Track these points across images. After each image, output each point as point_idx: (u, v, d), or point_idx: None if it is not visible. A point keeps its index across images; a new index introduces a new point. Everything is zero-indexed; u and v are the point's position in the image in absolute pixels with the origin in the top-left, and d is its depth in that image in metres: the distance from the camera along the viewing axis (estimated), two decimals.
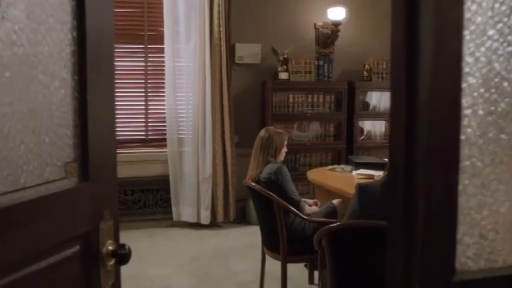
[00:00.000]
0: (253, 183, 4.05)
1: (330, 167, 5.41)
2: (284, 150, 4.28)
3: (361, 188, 3.08)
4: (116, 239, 1.52)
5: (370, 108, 6.87)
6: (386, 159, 5.53)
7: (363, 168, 5.08)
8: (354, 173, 5.02)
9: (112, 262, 1.48)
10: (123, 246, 1.49)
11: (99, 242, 1.45)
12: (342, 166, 5.32)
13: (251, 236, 5.97)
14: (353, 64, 6.83)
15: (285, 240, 3.95)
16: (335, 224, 3.05)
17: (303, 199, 4.26)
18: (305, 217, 4.02)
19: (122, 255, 1.49)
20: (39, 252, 1.26)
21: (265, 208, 4.06)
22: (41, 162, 1.28)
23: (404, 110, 0.99)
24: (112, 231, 1.50)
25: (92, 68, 1.37)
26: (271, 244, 4.16)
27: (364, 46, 6.84)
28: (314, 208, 4.39)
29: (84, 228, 1.40)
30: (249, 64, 6.53)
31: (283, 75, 6.46)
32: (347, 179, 4.93)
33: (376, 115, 6.89)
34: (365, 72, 6.78)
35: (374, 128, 6.94)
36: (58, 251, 1.32)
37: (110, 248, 1.48)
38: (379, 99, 6.89)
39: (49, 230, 1.29)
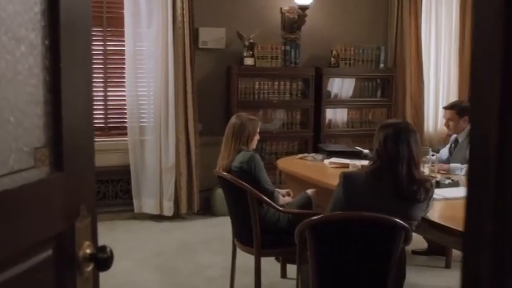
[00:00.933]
0: (224, 173, 3.81)
1: (300, 155, 5.21)
2: (257, 137, 4.06)
3: (347, 177, 2.89)
4: (94, 240, 1.27)
5: (332, 96, 6.68)
6: (358, 148, 5.39)
7: (335, 156, 4.91)
8: (326, 161, 4.84)
9: (90, 268, 1.24)
10: (103, 248, 1.25)
11: (75, 244, 1.19)
12: (312, 154, 5.13)
13: (217, 227, 5.75)
14: (320, 50, 6.65)
15: (258, 232, 3.73)
16: (318, 216, 2.85)
17: (276, 189, 4.05)
18: (280, 208, 3.81)
19: (103, 260, 1.24)
20: (2, 260, 1.00)
21: (237, 199, 3.84)
22: (5, 147, 1.02)
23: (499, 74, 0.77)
24: (90, 231, 1.25)
25: (66, 30, 1.11)
26: (243, 237, 3.94)
27: (331, 31, 6.66)
28: (287, 199, 4.18)
29: (58, 228, 1.15)
30: (213, 49, 6.27)
31: (248, 61, 6.22)
32: (319, 168, 4.74)
33: (339, 103, 6.72)
34: (332, 59, 6.60)
35: (335, 116, 6.75)
36: (26, 257, 1.07)
37: (88, 251, 1.23)
38: (340, 86, 6.71)
39: (14, 232, 1.03)
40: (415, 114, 7.10)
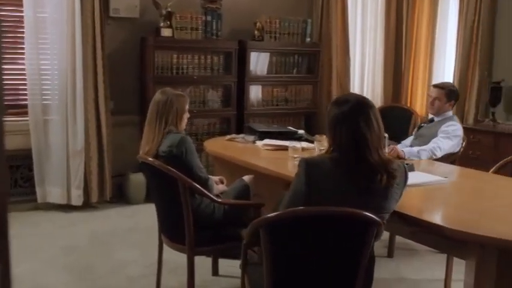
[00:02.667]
0: (150, 159, 3.24)
1: (229, 136, 4.70)
2: (186, 116, 3.51)
3: (309, 165, 2.41)
4: None
5: (256, 72, 6.20)
6: (291, 128, 4.95)
7: (268, 137, 4.45)
8: (259, 143, 4.37)
9: None
10: None
11: None
12: (242, 135, 4.64)
13: (133, 217, 5.18)
14: (243, 22, 6.14)
15: (191, 228, 3.20)
16: (276, 213, 2.36)
17: (209, 176, 3.52)
18: (217, 199, 3.30)
19: None
20: None
21: (165, 189, 3.29)
22: None
23: None
24: None
25: None
26: (171, 232, 3.41)
27: (255, 2, 6.18)
28: (221, 187, 3.68)
29: None
30: (126, 18, 5.61)
31: (166, 32, 5.61)
32: (252, 150, 4.27)
33: (264, 79, 6.25)
34: (256, 31, 6.11)
35: (259, 93, 6.28)
36: None
37: None
38: (265, 62, 6.25)
39: None
40: (341, 92, 6.74)
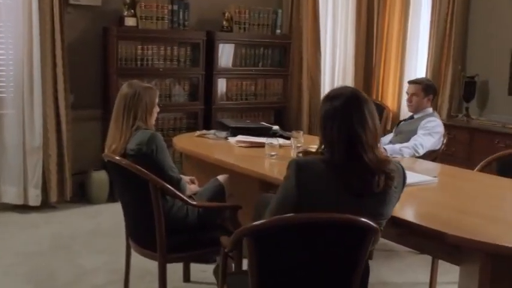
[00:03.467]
0: (118, 158, 2.96)
1: (199, 132, 4.44)
2: (156, 110, 3.24)
3: (301, 167, 2.17)
4: None
5: (224, 64, 5.93)
6: (263, 123, 4.72)
7: (241, 134, 4.20)
8: (232, 140, 4.12)
9: None
10: None
11: None
12: (213, 131, 4.38)
13: (96, 218, 4.88)
14: (211, 12, 5.86)
15: (163, 233, 2.94)
16: (263, 221, 2.12)
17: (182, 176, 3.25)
18: (192, 202, 3.04)
19: None
20: None
21: (134, 190, 3.02)
22: None
23: None
24: None
25: None
26: (140, 237, 3.14)
27: None
28: (194, 187, 3.41)
29: None
30: (87, 6, 5.27)
31: (130, 22, 5.29)
32: (225, 147, 4.02)
33: (233, 72, 5.98)
34: (225, 22, 5.84)
35: (227, 87, 6.00)
36: None
37: None
38: (233, 54, 5.98)
39: None
40: (312, 86, 6.55)
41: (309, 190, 2.15)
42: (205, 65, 5.67)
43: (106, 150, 3.12)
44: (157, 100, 3.24)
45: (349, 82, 6.87)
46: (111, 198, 5.25)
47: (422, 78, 4.60)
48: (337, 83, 6.85)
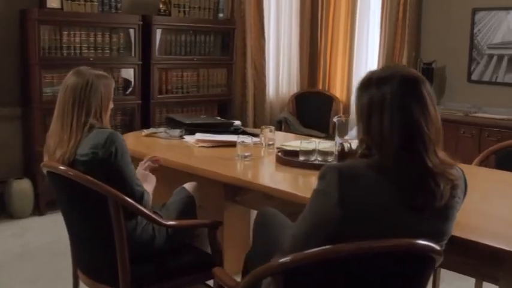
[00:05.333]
0: (62, 167, 2.26)
1: (146, 131, 3.75)
2: (111, 105, 2.56)
3: (344, 175, 1.57)
4: None
5: (163, 52, 5.23)
6: (219, 118, 4.10)
7: (199, 131, 3.57)
8: (190, 139, 3.48)
9: None
10: None
11: None
12: (163, 129, 3.70)
13: (22, 237, 4.11)
14: None
15: (126, 262, 2.27)
16: (294, 256, 1.52)
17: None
18: (167, 222, 2.39)
19: None
20: None
21: (86, 208, 2.33)
22: None
23: None
24: None
25: None
26: (93, 268, 2.44)
27: None
28: (148, 187, 2.72)
29: None
30: None
31: (53, 3, 4.51)
32: (183, 148, 3.38)
33: (172, 61, 5.30)
34: (162, 5, 5.15)
35: (166, 78, 5.28)
36: None
37: None
38: (173, 40, 5.25)
39: None
40: (256, 75, 5.97)
41: (356, 208, 1.57)
42: (142, 53, 4.96)
43: (46, 158, 2.42)
44: (113, 92, 2.57)
45: (294, 72, 6.35)
46: (36, 211, 4.49)
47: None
48: (282, 73, 6.31)
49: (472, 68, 5.50)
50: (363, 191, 1.57)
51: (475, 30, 5.46)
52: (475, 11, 5.44)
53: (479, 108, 5.38)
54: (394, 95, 1.60)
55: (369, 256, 1.53)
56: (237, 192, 2.83)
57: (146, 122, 5.00)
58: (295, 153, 2.96)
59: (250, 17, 5.77)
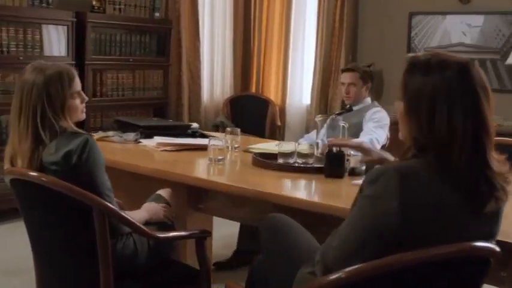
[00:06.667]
0: (33, 173, 1.95)
1: (96, 135, 3.42)
2: (76, 102, 2.26)
3: (405, 177, 1.39)
4: None
5: (99, 52, 4.89)
6: (171, 121, 3.84)
7: (156, 134, 3.30)
8: (148, 142, 3.21)
9: None
10: None
11: None
12: (116, 133, 3.40)
13: None
14: None
15: (111, 282, 1.99)
16: (348, 271, 1.34)
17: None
18: (159, 234, 2.12)
19: None
20: None
21: (60, 222, 2.03)
22: None
23: None
24: None
25: None
26: None
27: None
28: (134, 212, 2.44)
29: None
30: None
31: None
32: (143, 152, 3.12)
33: (108, 61, 4.96)
34: (95, 1, 4.82)
35: (100, 79, 4.94)
36: None
37: None
38: (108, 40, 4.93)
39: None
40: (191, 79, 5.73)
41: (417, 212, 1.40)
42: (75, 52, 4.61)
43: (6, 166, 2.09)
44: (75, 86, 2.27)
45: (228, 74, 6.16)
46: None
47: (357, 65, 4.05)
48: (216, 77, 6.10)
49: None
50: (424, 194, 1.40)
51: (412, 33, 5.51)
52: (411, 15, 5.49)
53: None
54: (461, 82, 1.43)
55: (435, 264, 1.38)
56: (201, 199, 2.65)
57: (82, 127, 4.62)
58: (269, 156, 2.79)
59: (185, 17, 5.53)
